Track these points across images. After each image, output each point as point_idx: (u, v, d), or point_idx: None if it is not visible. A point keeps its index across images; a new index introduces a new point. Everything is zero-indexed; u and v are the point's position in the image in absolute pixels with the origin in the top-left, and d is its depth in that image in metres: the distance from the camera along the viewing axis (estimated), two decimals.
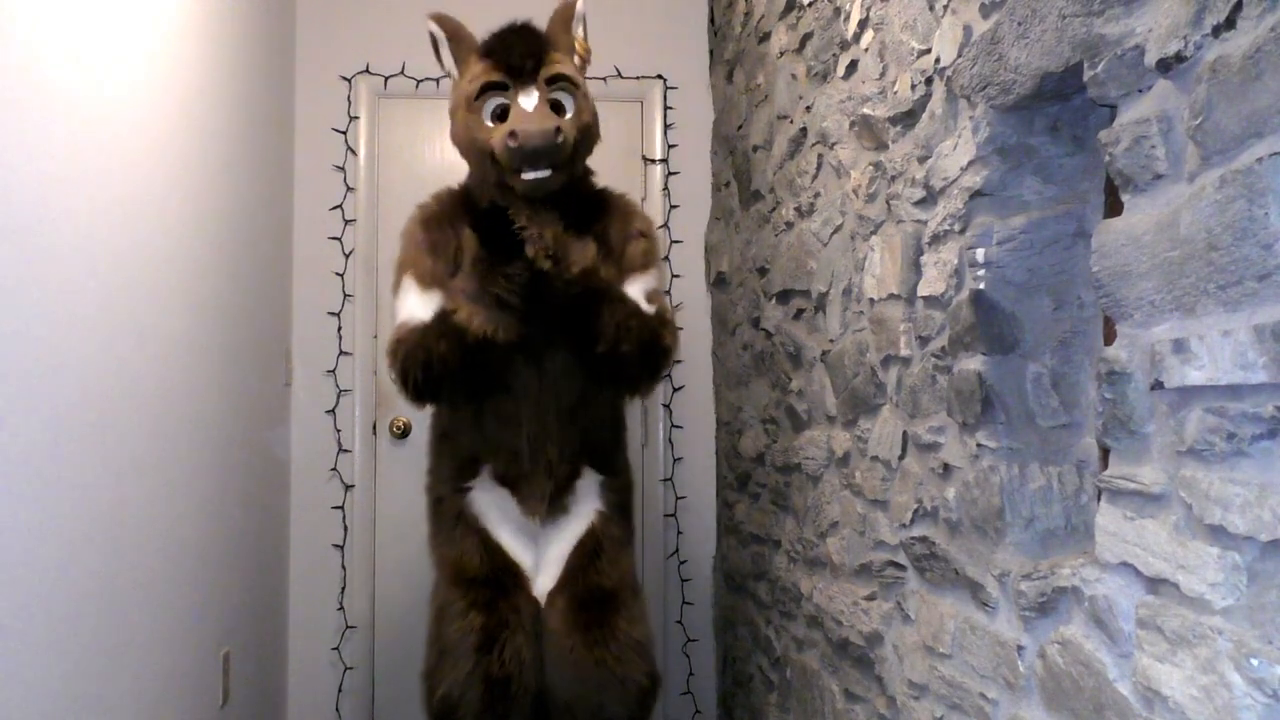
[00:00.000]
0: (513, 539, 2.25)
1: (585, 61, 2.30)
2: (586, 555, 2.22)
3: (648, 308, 2.21)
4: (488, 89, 2.16)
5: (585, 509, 2.26)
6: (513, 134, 2.06)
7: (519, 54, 2.16)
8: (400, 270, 2.27)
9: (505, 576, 2.21)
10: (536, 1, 2.32)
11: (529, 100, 2.14)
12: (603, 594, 2.18)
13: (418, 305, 2.18)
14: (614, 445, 2.34)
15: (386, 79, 3.31)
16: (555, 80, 2.16)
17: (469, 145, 2.20)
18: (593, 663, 2.12)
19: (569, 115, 2.16)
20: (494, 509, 2.24)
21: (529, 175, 2.11)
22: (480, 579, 2.19)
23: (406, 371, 2.10)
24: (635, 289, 2.23)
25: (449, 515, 2.26)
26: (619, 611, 2.18)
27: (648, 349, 2.14)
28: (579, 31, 2.29)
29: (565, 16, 2.27)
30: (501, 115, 2.15)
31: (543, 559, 2.25)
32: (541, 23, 2.24)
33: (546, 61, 2.17)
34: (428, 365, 2.08)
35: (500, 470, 2.22)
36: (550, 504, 2.23)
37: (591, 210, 2.27)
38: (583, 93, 2.22)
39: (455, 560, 2.22)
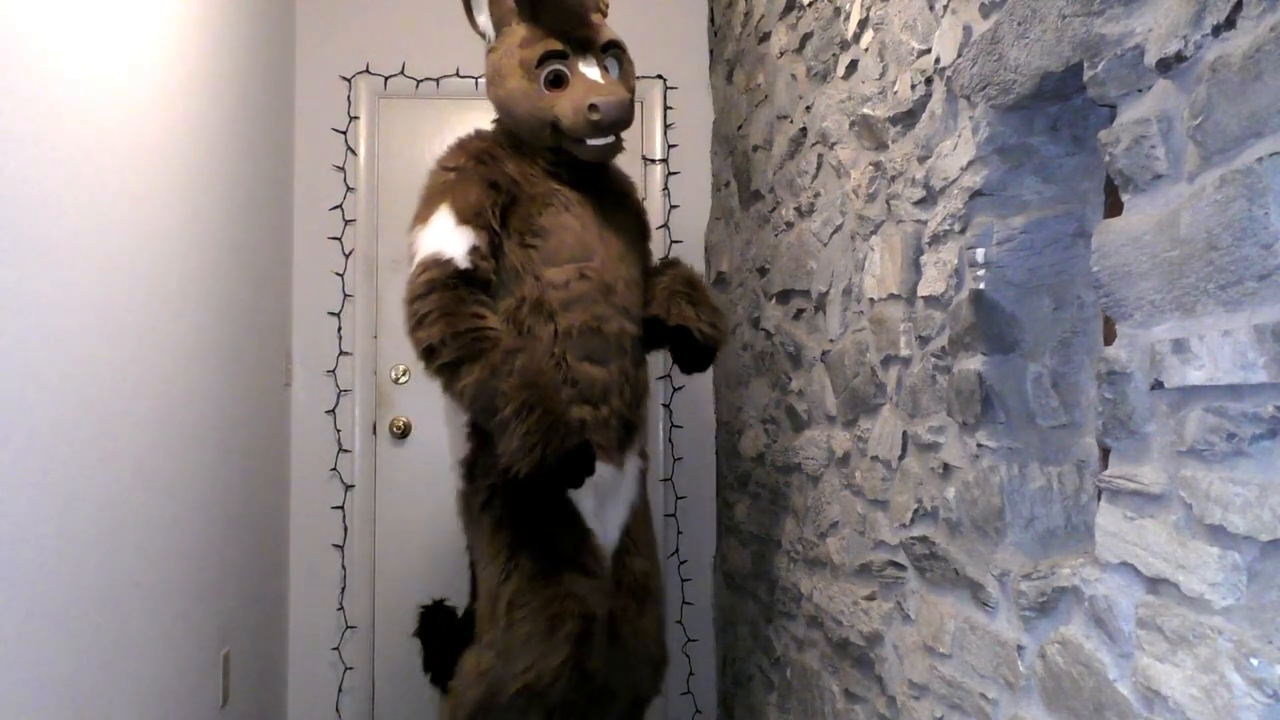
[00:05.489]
0: (593, 517, 2.15)
1: (604, 15, 2.37)
2: (632, 542, 2.26)
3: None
4: (549, 57, 2.17)
5: (629, 495, 2.28)
6: (594, 106, 2.11)
7: (572, 22, 2.20)
8: (433, 201, 2.14)
9: (594, 560, 2.13)
10: None
11: (591, 70, 2.19)
12: (646, 580, 2.25)
13: (450, 239, 2.06)
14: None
15: (386, 79, 3.31)
16: (608, 47, 2.24)
17: (528, 113, 2.19)
18: (638, 648, 2.20)
19: (617, 80, 2.24)
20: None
21: (596, 142, 2.18)
22: (572, 560, 2.07)
23: (424, 339, 2.01)
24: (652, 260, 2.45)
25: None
26: (653, 597, 2.27)
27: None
28: None
29: None
30: (555, 82, 2.18)
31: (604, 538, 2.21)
32: None
33: (597, 27, 2.24)
34: (445, 360, 1.99)
35: (584, 416, 2.11)
36: (622, 454, 2.20)
37: (610, 172, 2.37)
38: (627, 55, 2.29)
39: (542, 540, 2.08)
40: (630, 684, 2.21)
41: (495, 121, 2.32)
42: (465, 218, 2.08)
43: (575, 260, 2.15)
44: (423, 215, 2.14)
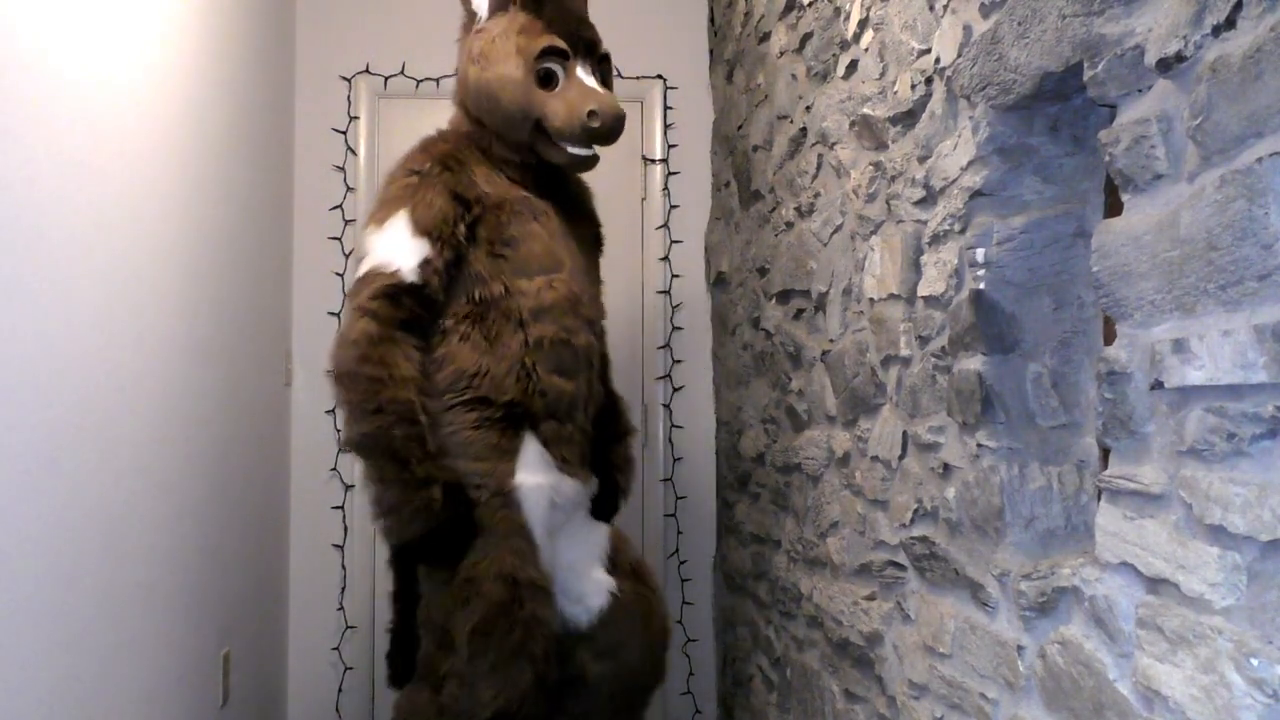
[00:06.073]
0: (546, 540, 2.10)
1: None
2: (622, 543, 2.33)
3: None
4: (550, 53, 2.12)
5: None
6: (593, 113, 2.07)
7: (579, 25, 2.18)
8: (392, 205, 2.05)
9: (544, 578, 2.08)
10: None
11: (589, 77, 2.17)
12: (643, 567, 2.36)
13: (404, 250, 1.99)
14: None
15: (386, 79, 3.31)
16: (604, 61, 2.24)
17: (513, 101, 2.11)
18: (650, 640, 2.29)
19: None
20: (535, 500, 2.07)
21: (579, 151, 2.15)
22: (532, 582, 2.02)
23: (343, 363, 1.98)
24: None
25: (492, 509, 2.03)
26: (654, 580, 2.40)
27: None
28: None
29: None
30: (546, 81, 2.13)
31: (574, 561, 2.20)
32: None
33: (598, 40, 2.23)
34: (362, 404, 1.96)
35: (550, 431, 2.09)
36: (586, 469, 2.21)
37: (573, 180, 2.36)
38: (611, 74, 2.30)
39: (504, 562, 2.00)
40: (654, 664, 2.29)
41: (458, 109, 2.25)
42: (423, 228, 2.01)
43: (545, 271, 2.12)
44: (379, 217, 2.06)
